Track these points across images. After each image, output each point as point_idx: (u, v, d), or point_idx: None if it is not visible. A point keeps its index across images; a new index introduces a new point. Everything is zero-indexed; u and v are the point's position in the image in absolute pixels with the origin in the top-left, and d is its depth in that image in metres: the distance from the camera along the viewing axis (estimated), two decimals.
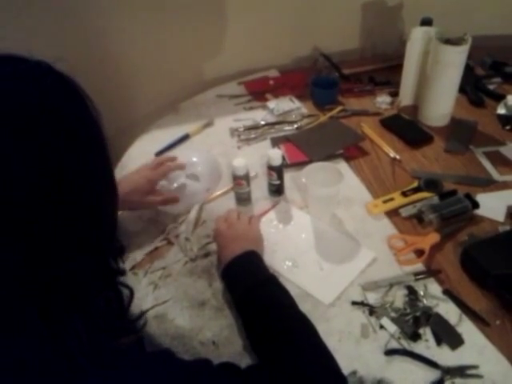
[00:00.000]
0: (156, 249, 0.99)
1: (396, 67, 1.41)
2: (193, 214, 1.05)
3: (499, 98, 1.35)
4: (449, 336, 0.80)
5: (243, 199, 1.07)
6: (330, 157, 1.18)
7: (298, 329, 0.74)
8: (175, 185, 1.06)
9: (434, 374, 0.75)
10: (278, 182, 1.06)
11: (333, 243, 0.98)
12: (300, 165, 1.13)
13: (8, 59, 0.48)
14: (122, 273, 0.62)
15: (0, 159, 0.42)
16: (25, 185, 0.44)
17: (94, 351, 0.49)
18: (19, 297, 0.47)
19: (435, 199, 1.04)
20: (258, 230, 0.97)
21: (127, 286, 0.64)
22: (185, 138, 1.29)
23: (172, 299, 0.89)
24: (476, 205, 1.01)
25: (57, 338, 0.48)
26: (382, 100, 1.40)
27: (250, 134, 1.29)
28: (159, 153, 1.24)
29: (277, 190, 1.08)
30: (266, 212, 1.06)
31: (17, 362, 0.46)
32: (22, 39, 1.09)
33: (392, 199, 1.05)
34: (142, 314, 0.78)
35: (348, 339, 0.81)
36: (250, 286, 0.81)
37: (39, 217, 0.46)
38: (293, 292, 0.85)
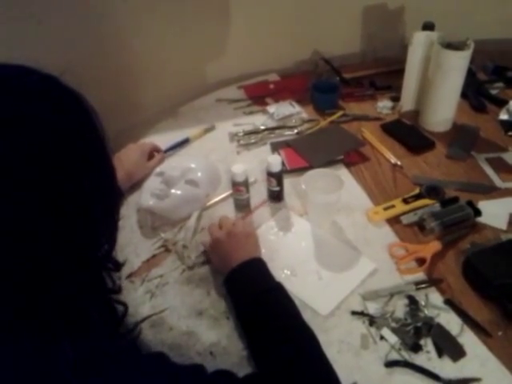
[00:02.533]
0: (153, 256, 0.98)
1: (397, 72, 1.40)
2: (192, 221, 1.03)
3: (502, 103, 1.34)
4: (450, 347, 0.79)
5: (242, 206, 1.06)
6: (330, 162, 1.17)
7: (301, 341, 0.73)
8: (173, 191, 1.04)
9: None
10: (277, 189, 1.05)
11: (333, 252, 0.97)
12: (300, 170, 1.12)
13: (16, 71, 0.48)
14: (117, 291, 0.61)
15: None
16: (23, 197, 0.44)
17: (85, 367, 0.48)
18: (7, 310, 0.46)
19: (437, 206, 1.02)
20: (256, 234, 0.96)
21: (121, 303, 0.63)
22: (185, 142, 1.28)
23: (169, 308, 0.87)
24: (478, 212, 0.99)
25: (43, 352, 0.47)
26: (383, 105, 1.39)
27: (249, 138, 1.28)
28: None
29: (276, 197, 1.07)
30: (256, 208, 1.04)
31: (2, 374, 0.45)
32: (25, 46, 1.11)
33: (393, 206, 1.04)
34: (137, 324, 0.77)
35: (348, 350, 0.79)
36: (257, 293, 0.79)
37: (34, 231, 0.46)
38: None
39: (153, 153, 1.20)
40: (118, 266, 0.64)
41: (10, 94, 0.45)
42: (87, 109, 0.52)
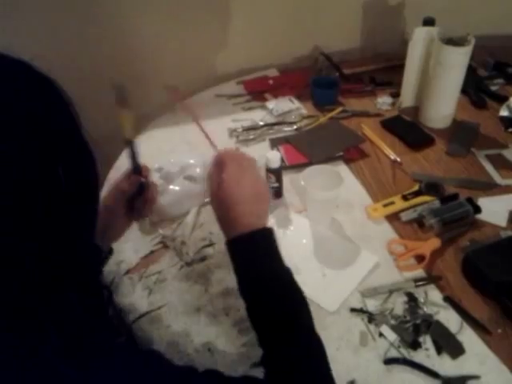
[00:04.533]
0: (151, 252, 0.97)
1: (397, 67, 1.39)
2: (190, 217, 1.03)
3: (502, 99, 1.34)
4: (449, 345, 0.79)
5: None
6: (329, 159, 1.16)
7: (303, 335, 0.68)
8: (171, 186, 1.04)
9: None
10: (276, 185, 1.04)
11: (334, 248, 0.96)
12: (299, 167, 1.11)
13: None
14: (98, 273, 0.60)
15: None
16: None
17: (74, 355, 0.48)
18: None
19: (436, 203, 1.02)
20: (267, 188, 0.84)
21: (106, 287, 0.62)
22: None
23: (167, 304, 0.87)
24: (478, 209, 0.99)
25: (32, 346, 0.46)
26: (383, 101, 1.38)
27: (248, 134, 1.27)
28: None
29: (276, 193, 1.06)
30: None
31: None
32: (24, 36, 1.10)
33: (392, 203, 1.03)
34: (134, 320, 0.76)
35: (346, 347, 0.79)
36: (266, 275, 0.68)
37: (11, 218, 0.45)
38: None
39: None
40: (99, 251, 0.63)
41: None
42: (59, 94, 0.50)
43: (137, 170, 0.82)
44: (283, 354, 0.65)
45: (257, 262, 0.69)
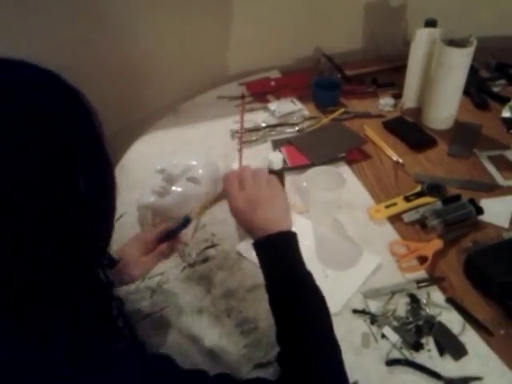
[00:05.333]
0: None
1: (399, 69, 1.39)
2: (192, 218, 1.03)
3: (504, 100, 1.34)
4: (452, 346, 0.79)
5: None
6: (331, 160, 1.16)
7: (321, 335, 0.68)
8: (174, 188, 1.04)
9: None
10: None
11: (336, 249, 0.96)
12: (301, 168, 1.12)
13: (14, 65, 0.47)
14: (110, 286, 0.61)
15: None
16: (20, 189, 0.43)
17: (82, 359, 0.48)
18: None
19: (439, 204, 1.02)
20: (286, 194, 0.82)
21: (117, 298, 0.63)
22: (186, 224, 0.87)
23: (170, 306, 0.87)
24: (480, 210, 0.99)
25: (39, 348, 0.47)
26: (385, 102, 1.38)
27: (250, 136, 1.27)
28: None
29: None
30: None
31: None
32: (30, 39, 1.10)
33: (395, 204, 1.03)
34: (137, 322, 0.77)
35: (348, 349, 0.79)
36: (295, 274, 0.72)
37: (30, 224, 0.45)
38: None
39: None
40: (113, 262, 0.63)
41: (6, 87, 0.45)
42: (86, 106, 0.51)
43: (171, 236, 0.84)
44: (300, 352, 0.66)
45: (279, 262, 0.72)
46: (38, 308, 0.48)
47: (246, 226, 0.76)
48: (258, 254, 0.73)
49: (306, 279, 0.72)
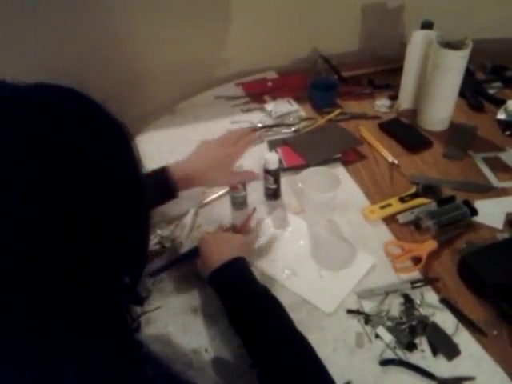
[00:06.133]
0: (149, 253, 0.97)
1: (396, 70, 1.39)
2: (188, 218, 1.03)
3: (499, 102, 1.34)
4: (445, 346, 0.79)
5: (239, 203, 1.05)
6: (327, 161, 1.17)
7: (297, 345, 0.73)
8: None
9: None
10: (274, 186, 1.05)
11: (331, 250, 0.97)
12: (297, 168, 1.12)
13: (58, 94, 0.46)
14: (136, 330, 0.58)
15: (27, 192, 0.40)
16: (47, 219, 0.41)
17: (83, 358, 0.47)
18: (14, 329, 0.45)
19: (433, 205, 1.02)
20: (243, 238, 0.92)
21: (137, 342, 0.59)
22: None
23: (165, 305, 0.87)
24: (474, 212, 0.99)
25: (44, 374, 0.46)
26: (381, 103, 1.39)
27: None
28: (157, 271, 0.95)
29: (273, 195, 1.07)
30: (247, 222, 1.00)
31: None
32: (31, 42, 1.10)
33: (389, 205, 1.04)
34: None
35: (342, 349, 0.79)
36: (243, 298, 0.78)
37: (58, 254, 0.43)
38: (289, 300, 0.85)
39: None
40: (141, 300, 0.60)
41: (48, 119, 0.43)
42: (127, 139, 0.50)
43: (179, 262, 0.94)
44: (273, 353, 0.70)
45: (230, 288, 0.81)
46: (52, 346, 0.46)
47: (211, 254, 0.86)
48: (212, 287, 0.83)
49: (257, 296, 0.79)
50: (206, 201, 1.09)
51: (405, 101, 1.36)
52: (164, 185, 0.92)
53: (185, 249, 0.97)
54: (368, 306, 0.85)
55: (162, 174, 0.93)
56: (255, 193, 1.09)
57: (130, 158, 0.50)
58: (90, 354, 0.49)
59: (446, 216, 0.98)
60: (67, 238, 0.43)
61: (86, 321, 0.48)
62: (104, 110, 0.48)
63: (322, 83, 1.41)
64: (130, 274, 0.55)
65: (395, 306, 0.85)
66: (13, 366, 0.45)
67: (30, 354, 0.45)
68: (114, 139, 0.49)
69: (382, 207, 1.03)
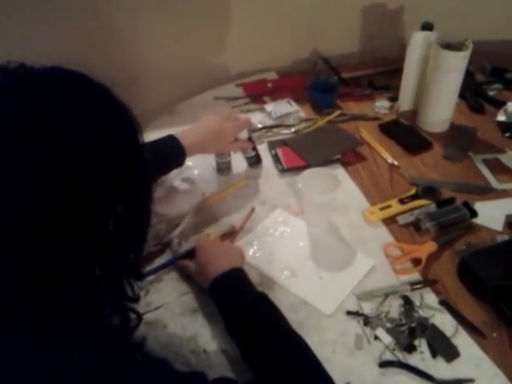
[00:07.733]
0: (149, 253, 0.97)
1: (396, 71, 1.40)
2: (188, 219, 1.03)
3: (499, 104, 1.34)
4: (444, 348, 0.79)
5: (224, 168, 1.12)
6: (327, 162, 1.17)
7: (293, 350, 0.73)
8: (169, 188, 1.04)
9: None
10: (253, 154, 1.11)
11: (331, 251, 0.97)
12: (297, 169, 1.12)
13: (66, 75, 0.50)
14: (135, 300, 0.61)
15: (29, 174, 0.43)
16: (49, 201, 0.43)
17: (88, 370, 0.48)
18: (21, 312, 0.46)
19: (433, 207, 1.02)
20: (241, 248, 0.93)
21: (136, 312, 0.62)
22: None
23: (164, 305, 0.87)
24: (474, 213, 0.99)
25: (50, 354, 0.46)
26: (381, 105, 1.39)
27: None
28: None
29: (256, 161, 1.13)
30: (244, 222, 1.01)
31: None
32: (33, 39, 1.10)
33: (389, 206, 1.04)
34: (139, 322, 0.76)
35: (342, 350, 0.79)
36: (242, 306, 0.78)
37: (59, 234, 0.45)
38: (288, 301, 0.85)
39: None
40: (140, 275, 0.63)
41: (57, 97, 0.46)
42: (133, 121, 0.52)
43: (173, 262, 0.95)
44: (271, 359, 0.70)
45: (228, 297, 0.81)
46: (58, 316, 0.48)
47: (209, 263, 0.86)
48: (212, 296, 0.83)
49: (260, 302, 0.79)
50: (205, 201, 1.08)
51: (405, 102, 1.36)
52: (174, 149, 0.96)
53: (184, 249, 0.96)
54: (367, 308, 0.85)
55: (171, 140, 0.97)
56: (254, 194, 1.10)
57: (131, 131, 0.53)
58: (92, 335, 0.50)
59: (445, 218, 0.98)
60: (71, 209, 0.44)
61: (88, 299, 0.50)
62: (113, 94, 0.53)
63: (321, 84, 1.41)
64: (133, 249, 0.57)
65: (394, 307, 0.85)
66: (17, 349, 0.46)
67: (34, 336, 0.46)
68: (121, 122, 0.52)
69: (382, 208, 1.03)
